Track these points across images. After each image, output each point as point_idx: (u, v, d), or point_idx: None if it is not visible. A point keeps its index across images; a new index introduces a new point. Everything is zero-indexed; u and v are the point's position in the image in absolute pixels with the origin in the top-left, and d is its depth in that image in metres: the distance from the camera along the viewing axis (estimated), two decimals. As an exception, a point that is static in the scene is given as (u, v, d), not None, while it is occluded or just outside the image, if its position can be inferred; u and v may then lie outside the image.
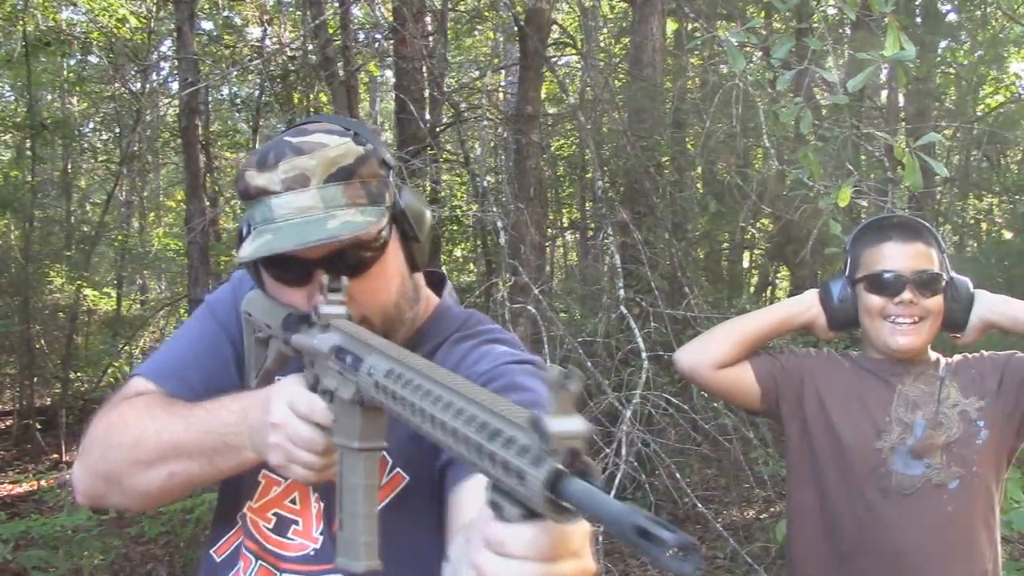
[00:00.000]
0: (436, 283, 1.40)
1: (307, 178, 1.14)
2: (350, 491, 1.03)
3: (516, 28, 6.01)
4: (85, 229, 9.81)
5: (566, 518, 0.67)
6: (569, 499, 0.65)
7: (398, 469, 1.24)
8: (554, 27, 7.00)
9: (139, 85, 9.76)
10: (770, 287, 9.41)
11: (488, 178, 6.39)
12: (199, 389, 1.28)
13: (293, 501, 1.29)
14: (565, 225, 9.97)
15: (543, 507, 0.67)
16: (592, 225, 8.48)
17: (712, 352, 2.01)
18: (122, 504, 1.35)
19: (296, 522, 1.28)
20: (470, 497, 1.05)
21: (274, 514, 1.29)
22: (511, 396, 1.13)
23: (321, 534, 1.26)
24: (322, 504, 1.27)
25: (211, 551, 1.35)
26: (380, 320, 1.20)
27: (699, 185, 7.66)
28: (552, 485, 0.66)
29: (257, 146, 9.39)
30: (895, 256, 1.91)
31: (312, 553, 1.26)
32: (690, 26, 7.74)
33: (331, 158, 1.15)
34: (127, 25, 9.13)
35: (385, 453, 1.21)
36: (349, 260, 1.16)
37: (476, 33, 11.30)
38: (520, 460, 0.68)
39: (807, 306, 2.03)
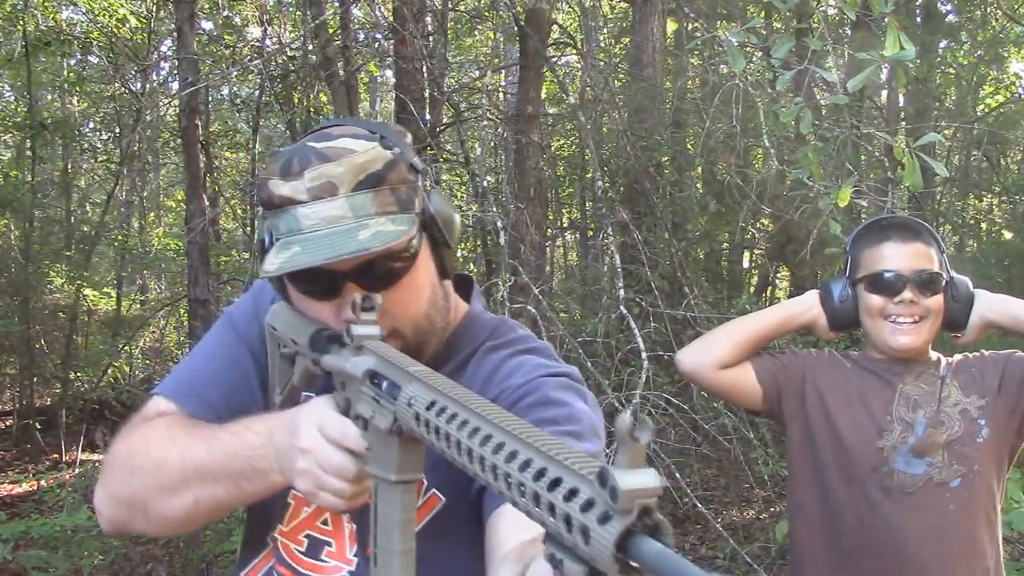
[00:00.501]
0: (463, 287, 1.34)
1: (335, 186, 1.08)
2: (386, 525, 0.96)
3: (516, 28, 6.01)
4: (85, 229, 9.80)
5: None
6: (641, 562, 0.60)
7: (434, 490, 1.19)
8: (554, 27, 7.00)
9: (139, 85, 9.75)
10: (770, 287, 9.41)
11: (488, 178, 6.40)
12: (220, 407, 1.24)
13: (324, 522, 1.24)
14: (565, 225, 9.97)
15: (611, 568, 0.61)
16: (592, 225, 8.48)
17: (714, 353, 2.02)
18: (148, 531, 1.28)
19: (329, 543, 1.24)
20: (508, 524, 1.00)
21: (306, 536, 1.25)
22: (545, 412, 1.10)
23: (355, 556, 1.22)
24: (354, 525, 1.23)
25: (241, 575, 1.30)
26: (411, 331, 1.16)
27: (699, 185, 7.66)
28: (622, 546, 0.60)
29: (257, 146, 9.43)
30: (895, 256, 1.91)
31: (347, 575, 1.22)
32: (690, 26, 7.74)
33: (359, 164, 1.10)
34: (127, 25, 9.12)
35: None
36: (380, 271, 1.11)
37: (476, 33, 11.30)
38: (585, 515, 0.62)
39: (808, 306, 2.04)
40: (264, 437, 1.09)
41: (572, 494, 0.64)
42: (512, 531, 0.97)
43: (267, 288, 1.29)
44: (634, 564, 0.60)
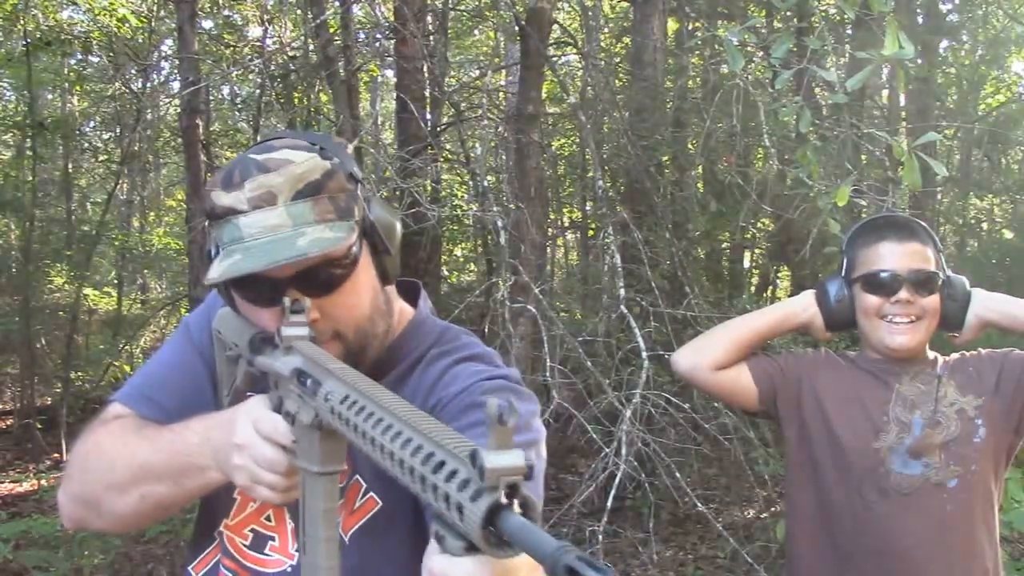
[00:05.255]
0: (411, 292, 1.38)
1: (274, 196, 1.12)
2: (312, 515, 1.03)
3: (517, 27, 6.01)
4: (85, 228, 9.80)
5: (505, 552, 0.67)
6: (507, 535, 0.66)
7: (372, 493, 1.23)
8: (555, 26, 7.00)
9: (140, 84, 9.76)
10: (771, 287, 9.40)
11: (489, 177, 6.39)
12: (171, 409, 1.28)
13: (268, 518, 1.29)
14: (566, 225, 9.97)
15: (480, 541, 0.67)
16: (593, 224, 8.49)
17: (709, 354, 2.01)
18: (103, 528, 1.35)
19: (272, 538, 1.28)
20: None
21: (251, 530, 1.29)
22: (477, 413, 1.13)
23: (297, 551, 1.25)
24: (294, 523, 1.26)
25: (189, 568, 1.35)
26: (353, 335, 1.19)
27: (699, 184, 7.65)
28: (490, 519, 0.66)
29: (258, 145, 9.40)
30: (891, 255, 1.91)
31: (289, 570, 1.26)
32: (691, 25, 7.74)
33: (297, 174, 1.13)
34: (127, 24, 9.12)
35: (359, 477, 1.22)
36: (320, 277, 1.14)
37: (477, 32, 11.31)
38: (460, 493, 0.69)
39: (804, 307, 2.03)
40: (202, 435, 1.15)
41: (451, 475, 0.71)
42: None
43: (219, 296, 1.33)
44: (504, 537, 0.66)
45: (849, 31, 6.89)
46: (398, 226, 1.25)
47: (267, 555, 1.27)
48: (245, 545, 1.29)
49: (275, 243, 1.10)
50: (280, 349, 1.11)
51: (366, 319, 1.21)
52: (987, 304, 1.93)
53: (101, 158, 10.61)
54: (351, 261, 1.17)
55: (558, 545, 0.61)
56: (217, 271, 1.11)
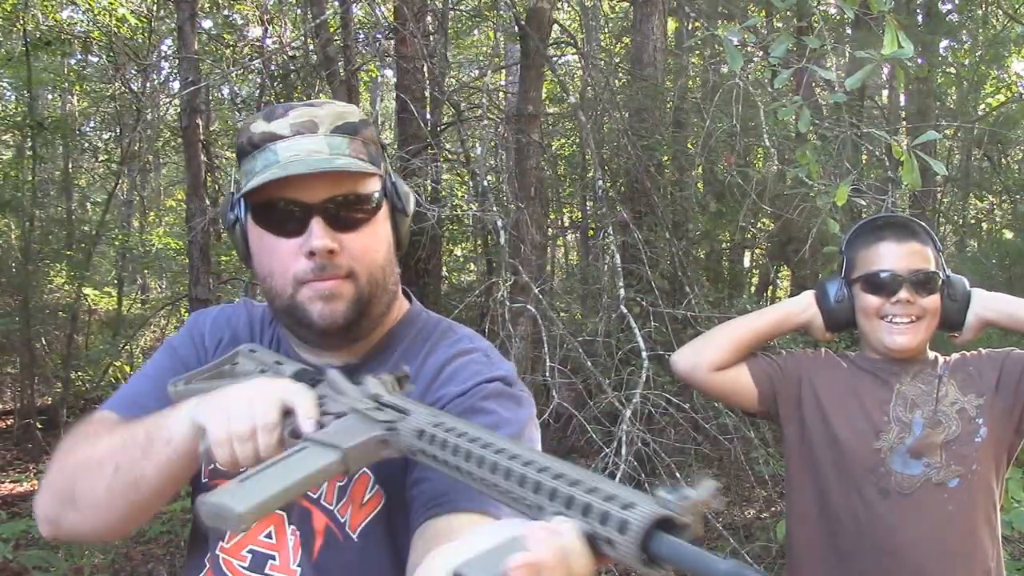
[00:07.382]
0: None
1: (316, 124, 1.19)
2: (286, 470, 0.97)
3: (517, 28, 6.01)
4: (85, 228, 9.80)
5: None
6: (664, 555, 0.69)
7: (378, 486, 1.23)
8: (555, 26, 7.00)
9: (140, 84, 9.76)
10: (771, 287, 9.40)
11: (489, 177, 6.39)
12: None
13: (268, 536, 1.26)
14: (566, 225, 9.97)
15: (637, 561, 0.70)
16: (593, 224, 8.48)
17: (709, 354, 2.01)
18: (78, 522, 1.22)
19: (273, 557, 1.25)
20: (426, 541, 1.04)
21: (249, 551, 1.26)
22: (473, 420, 1.13)
23: (298, 565, 1.24)
24: (298, 533, 1.25)
25: None
26: (366, 278, 1.21)
27: (699, 184, 7.66)
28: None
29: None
30: (891, 256, 1.91)
31: None
32: (691, 25, 7.74)
33: (338, 112, 1.21)
34: (127, 24, 9.11)
35: (367, 469, 1.21)
36: (346, 210, 1.18)
37: (477, 33, 11.31)
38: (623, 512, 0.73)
39: (803, 307, 2.03)
40: (190, 404, 1.11)
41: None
42: (427, 549, 1.01)
43: (199, 319, 1.40)
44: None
45: (849, 31, 6.88)
46: (412, 199, 1.31)
47: (267, 574, 1.25)
48: (243, 567, 1.26)
49: (313, 160, 1.16)
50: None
51: (379, 267, 1.23)
52: (987, 304, 1.93)
53: (101, 158, 10.59)
54: (375, 206, 1.23)
55: (732, 564, 0.64)
56: (256, 181, 1.15)
